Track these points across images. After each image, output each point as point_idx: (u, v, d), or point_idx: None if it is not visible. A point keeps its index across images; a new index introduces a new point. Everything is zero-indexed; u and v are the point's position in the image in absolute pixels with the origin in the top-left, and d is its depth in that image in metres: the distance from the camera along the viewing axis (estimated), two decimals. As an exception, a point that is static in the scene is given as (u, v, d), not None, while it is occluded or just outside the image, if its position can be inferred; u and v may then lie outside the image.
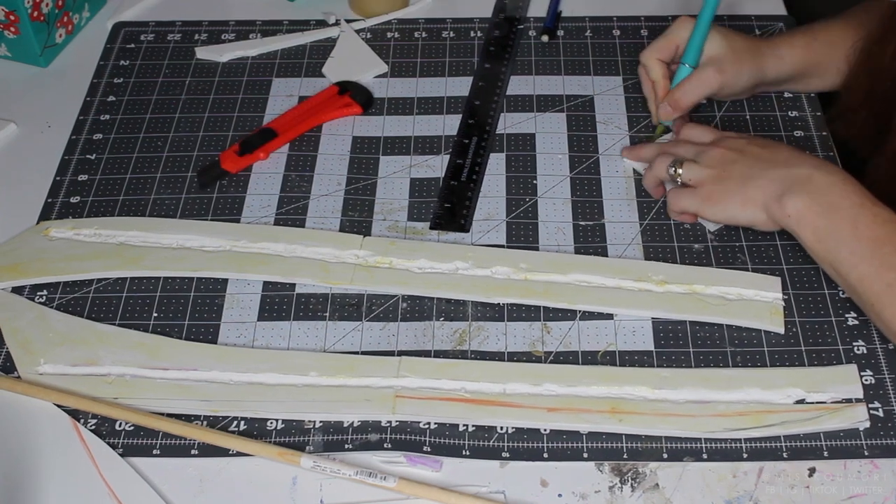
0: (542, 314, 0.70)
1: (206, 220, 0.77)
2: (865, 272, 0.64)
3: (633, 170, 0.76)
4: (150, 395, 0.66)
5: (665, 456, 0.62)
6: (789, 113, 0.82)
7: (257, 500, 0.62)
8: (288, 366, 0.67)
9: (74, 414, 0.65)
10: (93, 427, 0.65)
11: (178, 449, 0.64)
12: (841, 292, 0.70)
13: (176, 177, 0.80)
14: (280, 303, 0.71)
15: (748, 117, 0.82)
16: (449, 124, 0.84)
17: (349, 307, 0.71)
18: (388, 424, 0.64)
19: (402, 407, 0.64)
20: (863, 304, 0.66)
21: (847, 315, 0.69)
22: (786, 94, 0.84)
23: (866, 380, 0.65)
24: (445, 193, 0.78)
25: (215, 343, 0.69)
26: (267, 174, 0.80)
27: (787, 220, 0.67)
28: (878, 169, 0.78)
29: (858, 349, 0.67)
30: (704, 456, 0.62)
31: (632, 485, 0.62)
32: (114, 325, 0.70)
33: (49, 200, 0.79)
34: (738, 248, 0.73)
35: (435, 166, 0.80)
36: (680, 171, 0.72)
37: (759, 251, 0.73)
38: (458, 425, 0.64)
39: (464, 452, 0.63)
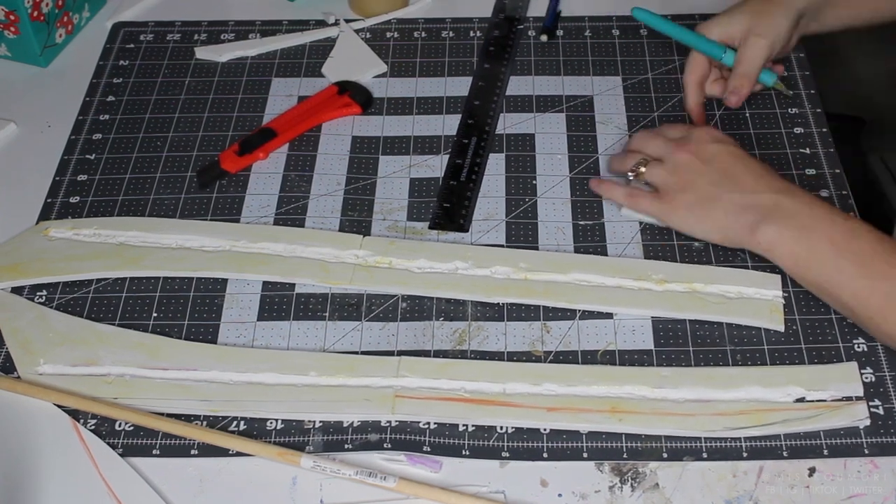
0: (542, 314, 0.70)
1: (206, 220, 0.77)
2: (859, 288, 0.64)
3: (639, 222, 0.75)
4: (150, 395, 0.66)
5: (665, 455, 0.62)
6: (789, 110, 0.82)
7: (257, 500, 0.62)
8: (288, 366, 0.67)
9: (74, 414, 0.65)
10: (93, 427, 0.65)
11: (177, 449, 0.64)
12: (841, 291, 0.70)
13: (175, 177, 0.80)
14: (280, 303, 0.71)
15: (748, 115, 0.82)
16: (448, 124, 0.84)
17: (349, 307, 0.71)
18: (387, 424, 0.64)
19: (402, 407, 0.64)
20: (860, 321, 0.65)
21: (847, 313, 0.69)
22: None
23: (866, 377, 0.65)
24: (445, 193, 0.78)
25: (215, 343, 0.69)
26: (266, 174, 0.80)
27: (760, 249, 0.68)
28: None
29: (859, 347, 0.67)
30: (704, 455, 0.62)
31: (632, 485, 0.62)
32: (114, 325, 0.70)
33: (49, 200, 0.79)
34: (737, 246, 0.73)
35: (434, 166, 0.80)
36: (643, 169, 0.73)
37: (759, 250, 0.73)
38: (457, 425, 0.64)
39: (464, 452, 0.63)
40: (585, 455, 0.63)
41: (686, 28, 0.80)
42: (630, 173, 0.74)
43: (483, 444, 0.63)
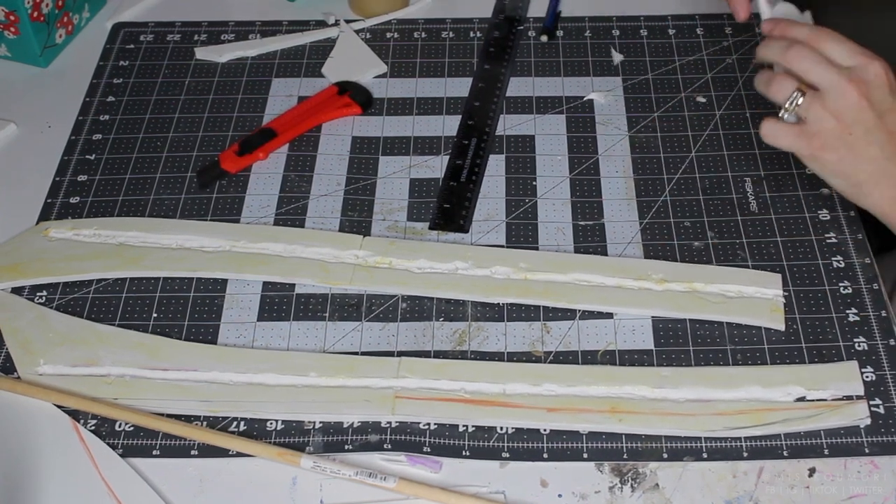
0: (542, 314, 0.70)
1: (206, 220, 0.77)
2: None
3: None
4: (150, 395, 0.66)
5: (665, 456, 0.62)
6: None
7: (257, 500, 0.62)
8: (288, 366, 0.67)
9: (74, 414, 0.65)
10: (93, 427, 0.65)
11: (177, 449, 0.64)
12: (842, 288, 0.70)
13: (175, 177, 0.80)
14: (280, 303, 0.71)
15: (748, 115, 0.82)
16: (448, 125, 0.83)
17: (349, 307, 0.71)
18: (387, 425, 0.64)
19: (402, 407, 0.64)
20: None
21: (848, 311, 0.69)
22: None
23: (867, 376, 0.65)
24: (445, 194, 0.78)
25: (215, 343, 0.69)
26: (266, 174, 0.80)
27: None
28: None
29: (859, 345, 0.67)
30: (704, 455, 0.62)
31: (632, 485, 0.62)
32: (113, 325, 0.70)
33: (49, 201, 0.79)
34: (738, 245, 0.73)
35: (434, 167, 0.80)
36: (799, 102, 0.62)
37: (760, 248, 0.73)
38: (457, 426, 0.64)
39: (464, 453, 0.63)
40: (585, 455, 0.63)
41: None
42: (784, 110, 0.63)
43: (483, 444, 0.63)
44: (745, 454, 0.62)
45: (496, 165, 0.80)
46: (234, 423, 0.65)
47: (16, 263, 0.74)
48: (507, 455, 0.63)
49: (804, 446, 0.62)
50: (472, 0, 0.95)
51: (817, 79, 0.62)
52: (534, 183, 0.79)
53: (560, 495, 0.61)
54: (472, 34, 0.91)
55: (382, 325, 0.70)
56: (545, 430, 0.64)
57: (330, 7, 0.95)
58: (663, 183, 0.78)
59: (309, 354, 0.68)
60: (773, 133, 0.64)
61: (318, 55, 0.90)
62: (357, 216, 0.77)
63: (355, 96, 0.85)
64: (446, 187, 0.78)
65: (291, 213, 0.77)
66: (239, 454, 0.63)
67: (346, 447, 0.63)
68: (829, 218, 0.75)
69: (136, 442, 0.64)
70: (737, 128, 0.81)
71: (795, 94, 0.62)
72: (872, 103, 0.61)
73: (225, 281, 0.73)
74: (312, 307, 0.71)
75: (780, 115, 0.63)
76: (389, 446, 0.63)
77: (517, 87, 0.86)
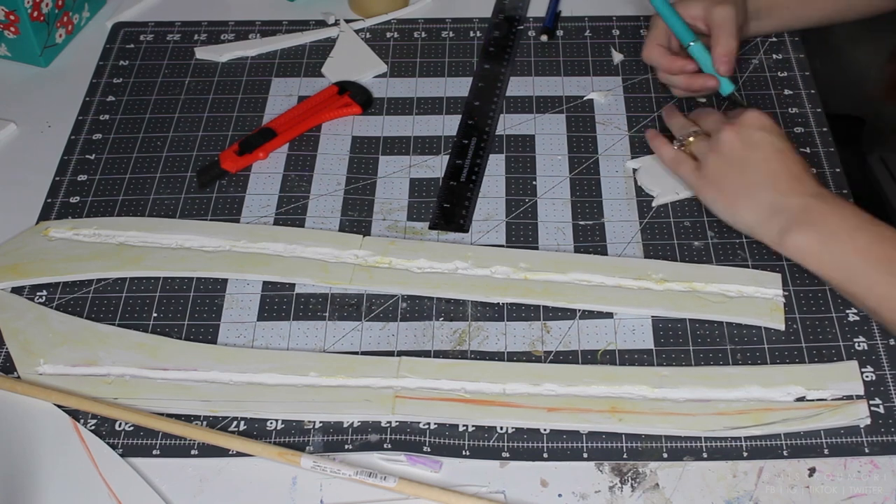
0: (542, 313, 0.70)
1: (206, 220, 0.77)
2: (883, 293, 0.63)
3: (633, 169, 0.77)
4: (150, 395, 0.66)
5: (665, 455, 0.62)
6: (790, 110, 0.82)
7: (257, 500, 0.62)
8: (288, 366, 0.67)
9: (74, 414, 0.65)
10: (93, 427, 0.65)
11: (177, 449, 0.64)
12: (841, 288, 0.70)
13: (175, 177, 0.80)
14: (280, 303, 0.71)
15: (748, 116, 0.82)
16: (448, 125, 0.83)
17: (349, 307, 0.71)
18: (387, 425, 0.64)
19: (402, 407, 0.64)
20: (886, 324, 0.65)
21: (848, 311, 0.69)
22: (786, 92, 0.84)
23: (867, 376, 0.65)
24: (445, 194, 0.78)
25: (215, 343, 0.69)
26: (266, 174, 0.80)
27: (787, 254, 0.67)
28: None
29: (859, 345, 0.67)
30: (704, 455, 0.62)
31: (632, 485, 0.62)
32: (114, 325, 0.70)
33: (48, 200, 0.79)
34: (737, 244, 0.73)
35: (434, 166, 0.80)
36: (691, 139, 0.74)
37: (760, 247, 0.73)
38: (457, 425, 0.64)
39: (464, 453, 0.63)
40: (585, 455, 0.63)
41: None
42: (676, 142, 0.75)
43: (483, 444, 0.63)
44: (745, 454, 0.62)
45: (496, 165, 0.80)
46: (234, 423, 0.65)
47: (16, 263, 0.74)
48: (507, 455, 0.63)
49: (804, 446, 0.62)
50: (472, 0, 0.95)
51: (708, 124, 0.74)
52: (534, 183, 0.79)
53: (560, 495, 0.61)
54: (472, 34, 0.91)
55: (382, 324, 0.70)
56: (545, 429, 0.64)
57: (330, 7, 0.95)
58: (663, 183, 0.78)
59: (309, 354, 0.68)
60: (677, 165, 0.74)
61: (318, 55, 0.90)
62: (357, 216, 0.77)
63: (355, 96, 0.85)
64: (446, 187, 0.78)
65: (291, 212, 0.77)
66: (239, 454, 0.63)
67: (346, 447, 0.63)
68: (829, 217, 0.75)
69: (136, 442, 0.64)
70: (737, 127, 0.81)
71: (694, 131, 0.74)
72: (742, 138, 0.70)
73: (225, 281, 0.73)
74: (312, 307, 0.71)
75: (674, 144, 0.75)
76: (389, 446, 0.63)
77: (517, 86, 0.86)
